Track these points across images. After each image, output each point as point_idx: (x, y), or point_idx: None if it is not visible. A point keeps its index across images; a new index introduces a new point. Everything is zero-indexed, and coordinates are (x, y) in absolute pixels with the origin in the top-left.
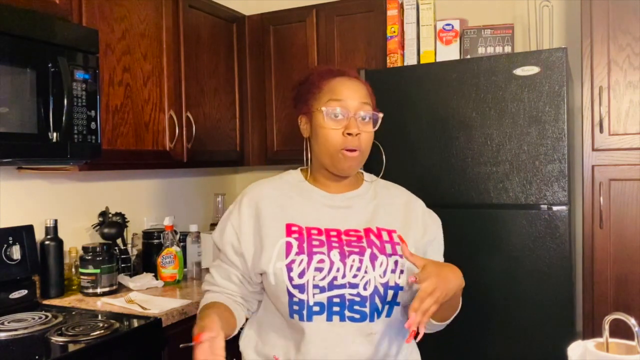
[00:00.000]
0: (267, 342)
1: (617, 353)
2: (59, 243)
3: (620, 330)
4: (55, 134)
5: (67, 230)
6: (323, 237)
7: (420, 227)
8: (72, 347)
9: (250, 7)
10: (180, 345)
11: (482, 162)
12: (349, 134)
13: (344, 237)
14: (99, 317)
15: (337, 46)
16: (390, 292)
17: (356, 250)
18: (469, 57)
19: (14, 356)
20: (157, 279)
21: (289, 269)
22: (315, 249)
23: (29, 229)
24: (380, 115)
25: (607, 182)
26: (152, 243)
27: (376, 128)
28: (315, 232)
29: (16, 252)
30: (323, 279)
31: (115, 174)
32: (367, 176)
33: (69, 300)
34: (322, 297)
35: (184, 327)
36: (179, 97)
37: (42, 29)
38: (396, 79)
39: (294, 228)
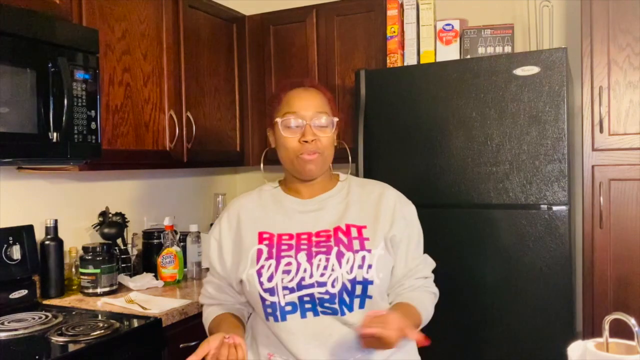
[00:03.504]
0: (260, 342)
1: (617, 353)
2: (59, 243)
3: (620, 330)
4: (55, 134)
5: (67, 230)
6: (293, 242)
7: (388, 219)
8: (72, 347)
9: (250, 7)
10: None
11: (482, 162)
12: (305, 142)
13: (314, 238)
14: (99, 317)
15: (337, 46)
16: (359, 287)
17: (323, 250)
18: (469, 57)
19: (14, 356)
20: (157, 279)
21: (259, 274)
22: (283, 253)
23: (29, 229)
24: (336, 119)
25: (607, 182)
26: (152, 243)
27: (333, 132)
28: (286, 237)
29: (16, 252)
30: (291, 280)
31: (115, 174)
32: (342, 176)
33: (69, 300)
34: (293, 297)
35: (184, 327)
36: (179, 97)
37: (42, 29)
38: (396, 79)
39: (265, 235)
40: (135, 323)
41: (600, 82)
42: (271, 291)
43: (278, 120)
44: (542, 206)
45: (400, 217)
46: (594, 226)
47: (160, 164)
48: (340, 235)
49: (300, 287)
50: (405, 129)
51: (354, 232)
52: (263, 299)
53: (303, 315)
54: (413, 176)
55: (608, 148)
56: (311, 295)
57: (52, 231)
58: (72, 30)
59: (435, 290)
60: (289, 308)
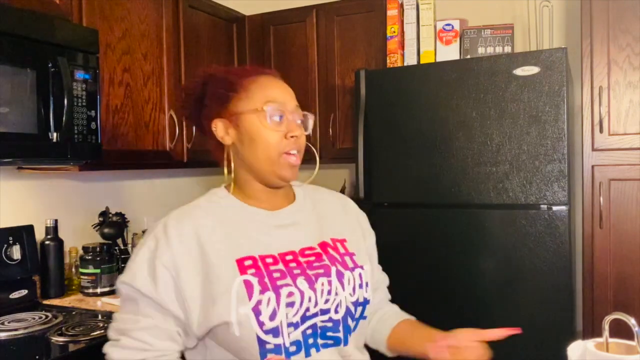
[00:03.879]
0: None
1: (617, 353)
2: (59, 243)
3: (620, 330)
4: (55, 134)
5: (67, 230)
6: (281, 266)
7: (359, 229)
8: (72, 347)
9: (250, 7)
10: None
11: (482, 162)
12: (291, 137)
13: (300, 259)
14: (99, 317)
15: (337, 46)
16: (359, 309)
17: (321, 271)
18: (469, 57)
19: (14, 356)
20: None
21: (257, 312)
22: (279, 282)
23: (29, 229)
24: (312, 117)
25: (607, 182)
26: None
27: (308, 132)
28: (270, 260)
29: (16, 252)
30: (296, 313)
31: (115, 174)
32: (296, 183)
33: (69, 300)
34: (297, 335)
35: None
36: (179, 97)
37: (42, 29)
38: (396, 79)
39: (247, 262)
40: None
41: (600, 82)
42: (275, 332)
43: (266, 109)
44: (542, 206)
45: (366, 226)
46: (594, 226)
47: (160, 164)
48: (331, 251)
49: (304, 319)
50: (405, 129)
51: (340, 248)
52: (263, 343)
53: (307, 354)
54: (413, 176)
55: (608, 148)
56: (313, 327)
57: (52, 231)
58: (72, 30)
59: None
60: (293, 349)
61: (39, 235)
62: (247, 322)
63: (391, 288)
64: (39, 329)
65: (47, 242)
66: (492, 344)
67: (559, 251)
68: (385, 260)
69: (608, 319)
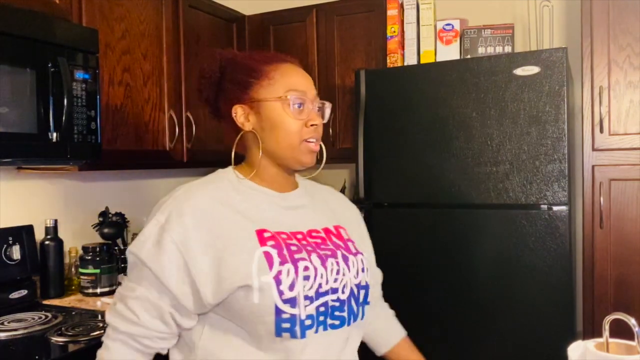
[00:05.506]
0: None
1: (617, 353)
2: (59, 243)
3: (620, 330)
4: (55, 134)
5: (67, 230)
6: (295, 242)
7: (355, 220)
8: (72, 347)
9: (250, 7)
10: None
11: (482, 162)
12: (312, 125)
13: (309, 239)
14: (99, 317)
15: (337, 46)
16: (362, 292)
17: (329, 253)
18: (469, 57)
19: (13, 356)
20: None
21: (278, 281)
22: (296, 255)
23: (29, 229)
24: (330, 105)
25: (607, 182)
26: None
27: (326, 120)
28: (285, 236)
29: (16, 252)
30: (311, 287)
31: (115, 174)
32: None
33: (69, 300)
34: (312, 309)
35: None
36: (179, 97)
37: (42, 29)
38: (396, 79)
39: (266, 234)
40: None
41: (601, 82)
42: (292, 302)
43: (289, 97)
44: (542, 206)
45: (359, 220)
46: (594, 226)
47: (160, 164)
48: (334, 238)
49: (318, 295)
50: (406, 129)
51: (344, 234)
52: (280, 312)
53: (317, 331)
54: (413, 176)
55: (608, 148)
56: (325, 304)
57: (52, 231)
58: (72, 30)
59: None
60: (308, 322)
61: (39, 235)
62: (268, 290)
63: (391, 288)
64: (38, 329)
65: (46, 242)
66: (493, 344)
67: (559, 251)
68: (385, 260)
69: (608, 319)
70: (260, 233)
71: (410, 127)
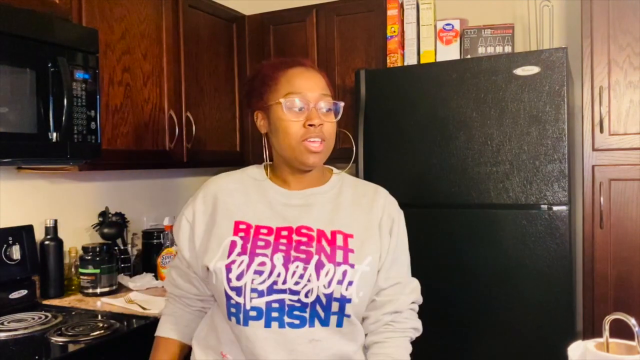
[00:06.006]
0: (217, 338)
1: (617, 353)
2: (59, 243)
3: (620, 330)
4: (55, 134)
5: (67, 230)
6: (271, 238)
7: (376, 229)
8: (72, 347)
9: (250, 7)
10: None
11: (482, 162)
12: (310, 125)
13: (294, 236)
14: (99, 317)
15: (337, 46)
16: (336, 304)
17: (302, 256)
18: (469, 57)
19: (14, 356)
20: (157, 279)
21: (228, 269)
22: (258, 250)
23: (29, 229)
24: (342, 104)
25: (607, 182)
26: (152, 243)
27: (338, 118)
28: (265, 231)
29: (16, 252)
30: (262, 282)
31: (115, 174)
32: (336, 170)
33: (69, 300)
34: (260, 302)
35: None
36: (179, 97)
37: (42, 29)
38: (396, 79)
39: (241, 226)
40: (135, 323)
41: (601, 82)
42: (238, 291)
43: (282, 101)
44: (542, 206)
45: (386, 228)
46: (594, 226)
47: (160, 164)
48: (324, 242)
49: (270, 291)
50: (405, 129)
51: (339, 241)
52: (228, 297)
53: (267, 325)
54: (413, 176)
55: (608, 148)
56: (281, 302)
57: (52, 231)
58: (71, 30)
59: (412, 324)
60: (253, 313)
61: (39, 235)
62: (220, 274)
63: None
64: (38, 329)
65: (46, 242)
66: (493, 344)
67: (559, 251)
68: None
69: (608, 319)
70: (237, 224)
71: (410, 127)
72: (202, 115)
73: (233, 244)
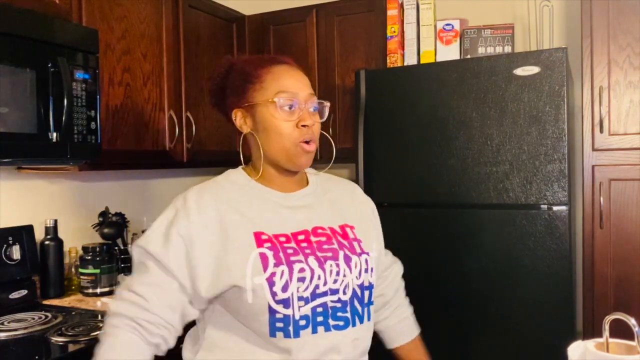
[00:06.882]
0: None
1: (617, 353)
2: (59, 243)
3: (620, 330)
4: (55, 134)
5: (67, 230)
6: (293, 244)
7: (368, 217)
8: (72, 347)
9: (250, 7)
10: None
11: (482, 162)
12: (304, 126)
13: (312, 238)
14: (99, 317)
15: (337, 46)
16: (366, 293)
17: (329, 254)
18: (469, 57)
19: (14, 356)
20: None
21: (271, 283)
22: (292, 258)
23: (29, 229)
24: (328, 105)
25: (607, 182)
26: None
27: (324, 119)
28: (283, 239)
29: (16, 252)
30: (306, 289)
31: (115, 174)
32: (311, 170)
33: (69, 300)
34: (307, 309)
35: (184, 327)
36: (179, 97)
37: (42, 29)
38: (396, 79)
39: (263, 237)
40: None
41: (601, 82)
42: (285, 303)
43: (277, 100)
44: (542, 206)
45: (372, 214)
46: (594, 226)
47: (160, 164)
48: (339, 237)
49: (314, 296)
50: (405, 129)
51: (350, 233)
52: (273, 311)
53: (314, 331)
54: (413, 176)
55: (608, 148)
56: (324, 305)
57: (52, 231)
58: (72, 30)
59: (396, 264)
60: (302, 322)
61: (39, 235)
62: (261, 291)
63: None
64: (38, 329)
65: (46, 242)
66: (493, 344)
67: (559, 251)
68: None
69: (608, 319)
70: (257, 235)
71: (410, 127)
72: (202, 115)
73: (264, 257)
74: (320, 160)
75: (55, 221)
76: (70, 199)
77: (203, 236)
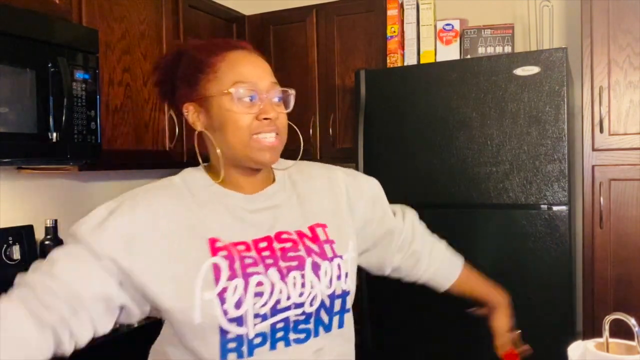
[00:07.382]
0: None
1: (617, 353)
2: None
3: (620, 330)
4: (55, 134)
5: (67, 230)
6: (254, 253)
7: (346, 208)
8: None
9: (250, 7)
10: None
11: (482, 162)
12: (265, 119)
13: (276, 245)
14: None
15: (337, 46)
16: (338, 302)
17: (294, 263)
18: (469, 57)
19: None
20: None
21: (222, 299)
22: (249, 269)
23: (29, 229)
24: (293, 92)
25: (607, 182)
26: None
27: (290, 109)
28: (242, 247)
29: (16, 252)
30: (264, 304)
31: (115, 174)
32: (280, 164)
33: None
34: (264, 326)
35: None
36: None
37: (42, 29)
38: (396, 79)
39: (218, 244)
40: (136, 323)
41: (601, 82)
42: (239, 321)
43: (232, 91)
44: (542, 206)
45: (357, 199)
46: (594, 226)
47: (160, 164)
48: (307, 242)
49: (274, 312)
50: (405, 129)
51: (320, 235)
52: (224, 332)
53: (273, 347)
54: (413, 176)
55: (608, 148)
56: (286, 320)
57: (52, 231)
58: (72, 30)
59: (407, 217)
60: (258, 340)
61: (39, 235)
62: (211, 309)
63: (389, 288)
64: None
65: (46, 242)
66: (492, 344)
67: (559, 251)
68: None
69: (608, 319)
70: (212, 242)
71: (410, 127)
72: None
73: (217, 268)
74: (320, 161)
75: (55, 221)
76: (70, 199)
77: (146, 235)
